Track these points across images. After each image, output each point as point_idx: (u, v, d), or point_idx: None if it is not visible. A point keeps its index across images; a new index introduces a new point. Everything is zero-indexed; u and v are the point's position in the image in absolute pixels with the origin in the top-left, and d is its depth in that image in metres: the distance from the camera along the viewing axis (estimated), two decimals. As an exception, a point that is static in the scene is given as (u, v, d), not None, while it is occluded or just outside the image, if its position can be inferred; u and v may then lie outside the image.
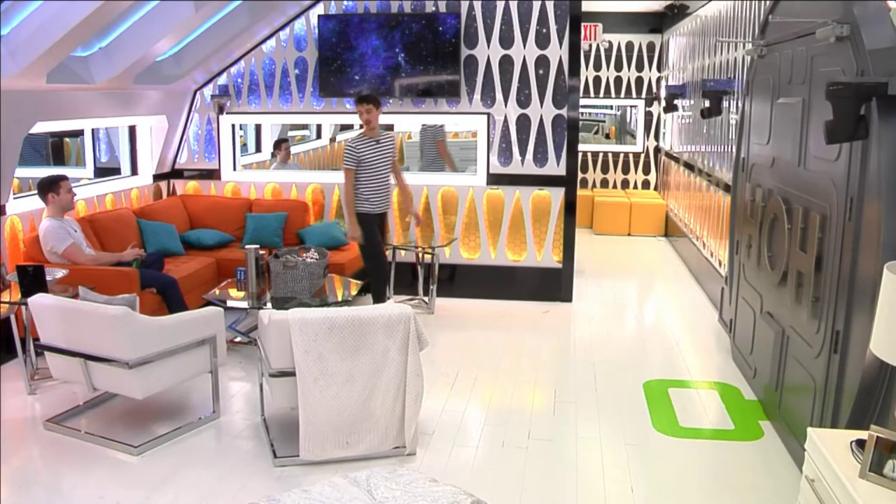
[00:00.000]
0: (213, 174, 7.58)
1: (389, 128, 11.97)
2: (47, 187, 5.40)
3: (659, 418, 4.54)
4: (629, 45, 11.29)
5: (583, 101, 10.98)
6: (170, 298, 5.53)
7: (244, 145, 9.01)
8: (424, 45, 6.85)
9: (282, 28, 7.20)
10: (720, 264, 6.67)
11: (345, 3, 7.06)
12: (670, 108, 9.64)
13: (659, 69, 11.28)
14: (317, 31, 7.05)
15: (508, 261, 7.16)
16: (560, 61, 6.81)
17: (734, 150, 5.81)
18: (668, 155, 10.50)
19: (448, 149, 8.13)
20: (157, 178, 7.40)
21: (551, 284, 7.08)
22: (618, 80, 11.40)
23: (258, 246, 5.60)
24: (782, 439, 4.20)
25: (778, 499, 3.63)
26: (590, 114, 12.77)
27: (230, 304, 5.35)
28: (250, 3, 6.48)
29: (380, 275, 6.06)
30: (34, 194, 5.62)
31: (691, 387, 5.04)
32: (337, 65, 7.01)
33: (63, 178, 5.52)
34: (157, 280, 5.56)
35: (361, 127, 5.85)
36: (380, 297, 5.97)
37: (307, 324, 3.80)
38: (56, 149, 9.08)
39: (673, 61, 10.41)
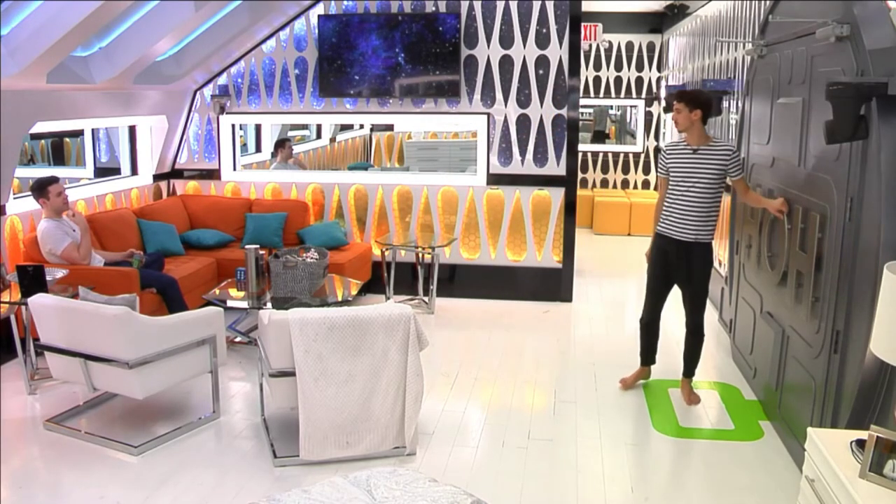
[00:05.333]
0: (213, 174, 7.57)
1: (390, 128, 12.11)
2: (37, 193, 5.35)
3: (659, 418, 4.54)
4: (629, 45, 11.29)
5: (583, 101, 10.98)
6: (170, 298, 5.53)
7: (244, 145, 9.01)
8: (424, 45, 6.85)
9: (282, 28, 7.19)
10: (720, 264, 6.66)
11: (345, 3, 7.06)
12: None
13: (659, 69, 11.27)
14: (317, 31, 7.05)
15: (508, 261, 7.16)
16: (560, 61, 6.81)
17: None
18: (668, 155, 10.48)
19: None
20: (157, 178, 7.40)
21: (551, 284, 7.08)
22: (618, 80, 11.40)
23: (258, 246, 5.59)
24: (782, 439, 4.20)
25: (778, 499, 3.63)
26: (589, 113, 12.77)
27: (230, 304, 5.34)
28: (250, 3, 6.48)
29: (642, 318, 4.94)
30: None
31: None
32: (337, 65, 7.01)
33: (52, 181, 5.37)
34: (157, 280, 5.55)
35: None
36: (644, 352, 5.01)
37: (307, 324, 3.80)
38: (56, 149, 9.08)
39: (673, 61, 10.41)
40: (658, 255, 4.73)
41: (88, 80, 5.83)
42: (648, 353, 5.02)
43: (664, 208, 4.66)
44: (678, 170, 4.56)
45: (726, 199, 6.41)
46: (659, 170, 4.77)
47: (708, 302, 7.01)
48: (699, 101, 4.55)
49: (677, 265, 4.64)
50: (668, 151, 4.68)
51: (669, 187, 4.63)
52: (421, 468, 3.82)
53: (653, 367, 5.06)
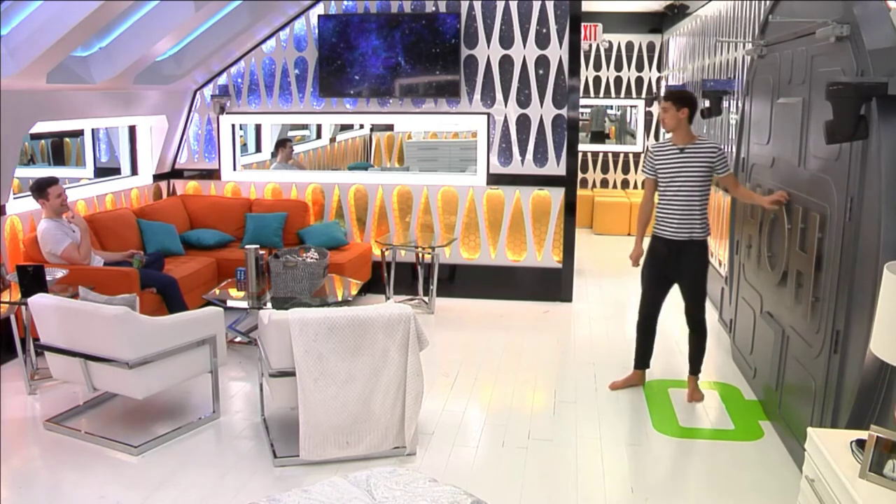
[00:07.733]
0: (213, 174, 7.57)
1: (390, 128, 12.11)
2: (36, 194, 5.34)
3: (659, 418, 4.54)
4: (629, 45, 11.29)
5: (583, 101, 10.98)
6: (170, 298, 5.53)
7: (244, 145, 9.00)
8: (424, 45, 6.85)
9: (282, 28, 7.19)
10: (720, 264, 6.66)
11: (345, 3, 7.06)
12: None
13: (659, 69, 11.27)
14: (317, 31, 7.05)
15: (508, 261, 7.16)
16: (560, 61, 6.81)
17: (734, 150, 5.81)
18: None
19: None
20: (157, 178, 7.39)
21: (551, 284, 7.08)
22: (618, 80, 11.40)
23: (258, 246, 5.59)
24: (782, 439, 4.20)
25: (778, 499, 3.63)
26: (585, 114, 12.77)
27: (230, 304, 5.34)
28: (250, 3, 6.48)
29: (639, 320, 4.94)
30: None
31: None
32: (337, 65, 7.01)
33: (52, 182, 5.36)
34: (157, 280, 5.55)
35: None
36: (640, 355, 4.97)
37: (307, 324, 3.80)
38: (56, 149, 9.08)
39: (673, 61, 10.41)
40: (652, 256, 4.73)
41: (88, 80, 5.83)
42: (644, 355, 4.99)
43: (657, 210, 4.66)
44: (667, 170, 4.57)
45: (726, 200, 6.41)
46: (646, 170, 4.73)
47: (708, 302, 7.04)
48: (686, 99, 4.57)
49: (674, 265, 4.64)
50: (655, 152, 4.66)
51: (660, 189, 4.63)
52: (421, 468, 3.81)
53: (651, 368, 5.05)
